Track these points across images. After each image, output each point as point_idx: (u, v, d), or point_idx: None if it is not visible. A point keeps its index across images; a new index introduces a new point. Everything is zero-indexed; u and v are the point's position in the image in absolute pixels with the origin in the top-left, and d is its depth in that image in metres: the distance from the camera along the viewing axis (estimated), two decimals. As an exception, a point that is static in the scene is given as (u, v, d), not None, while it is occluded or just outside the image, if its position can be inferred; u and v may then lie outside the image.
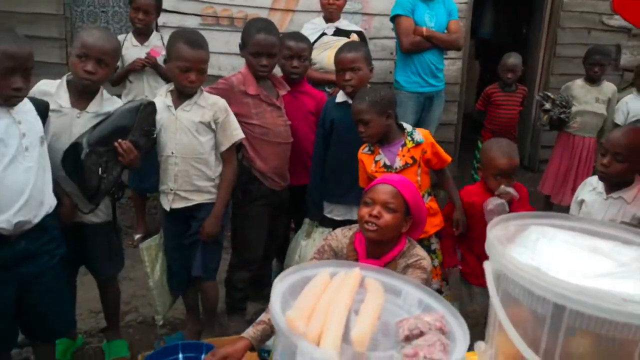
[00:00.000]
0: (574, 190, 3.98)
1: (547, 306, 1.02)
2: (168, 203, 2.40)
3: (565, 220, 1.32)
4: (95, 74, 2.10)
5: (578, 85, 4.13)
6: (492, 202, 2.33)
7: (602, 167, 2.15)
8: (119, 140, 2.13)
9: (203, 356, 2.33)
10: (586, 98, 4.06)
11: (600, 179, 2.22)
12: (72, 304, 2.35)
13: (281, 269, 3.39)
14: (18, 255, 1.90)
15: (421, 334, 0.94)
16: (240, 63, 4.29)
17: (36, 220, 1.91)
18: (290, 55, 2.80)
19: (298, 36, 2.95)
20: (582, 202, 2.35)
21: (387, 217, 1.80)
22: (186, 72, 2.24)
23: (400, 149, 2.43)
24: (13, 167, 1.81)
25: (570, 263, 1.12)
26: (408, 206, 1.85)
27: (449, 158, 2.55)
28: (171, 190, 2.37)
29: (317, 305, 0.91)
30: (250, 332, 1.70)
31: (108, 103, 2.25)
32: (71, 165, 2.12)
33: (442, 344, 0.92)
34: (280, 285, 0.98)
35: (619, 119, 3.95)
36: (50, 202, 2.00)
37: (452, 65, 4.78)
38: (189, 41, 2.25)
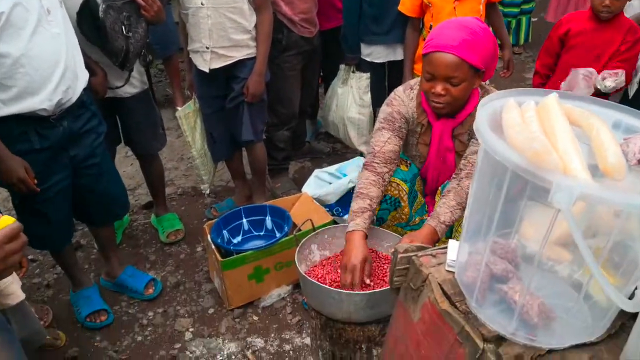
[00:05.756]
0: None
1: None
2: (206, 63, 2.13)
3: None
4: None
5: None
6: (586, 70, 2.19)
7: None
8: None
9: (268, 217, 2.27)
10: None
11: None
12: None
13: (314, 125, 3.24)
14: (63, 137, 1.69)
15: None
16: None
17: (75, 97, 1.68)
18: None
19: None
20: None
21: (453, 91, 1.56)
22: None
23: None
24: (39, 34, 1.52)
25: None
26: (476, 66, 1.55)
27: None
28: (207, 48, 2.09)
29: (533, 137, 0.76)
30: (360, 223, 1.54)
31: None
32: (89, 26, 1.83)
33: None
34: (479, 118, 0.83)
35: None
36: (84, 75, 1.76)
37: None
38: None
